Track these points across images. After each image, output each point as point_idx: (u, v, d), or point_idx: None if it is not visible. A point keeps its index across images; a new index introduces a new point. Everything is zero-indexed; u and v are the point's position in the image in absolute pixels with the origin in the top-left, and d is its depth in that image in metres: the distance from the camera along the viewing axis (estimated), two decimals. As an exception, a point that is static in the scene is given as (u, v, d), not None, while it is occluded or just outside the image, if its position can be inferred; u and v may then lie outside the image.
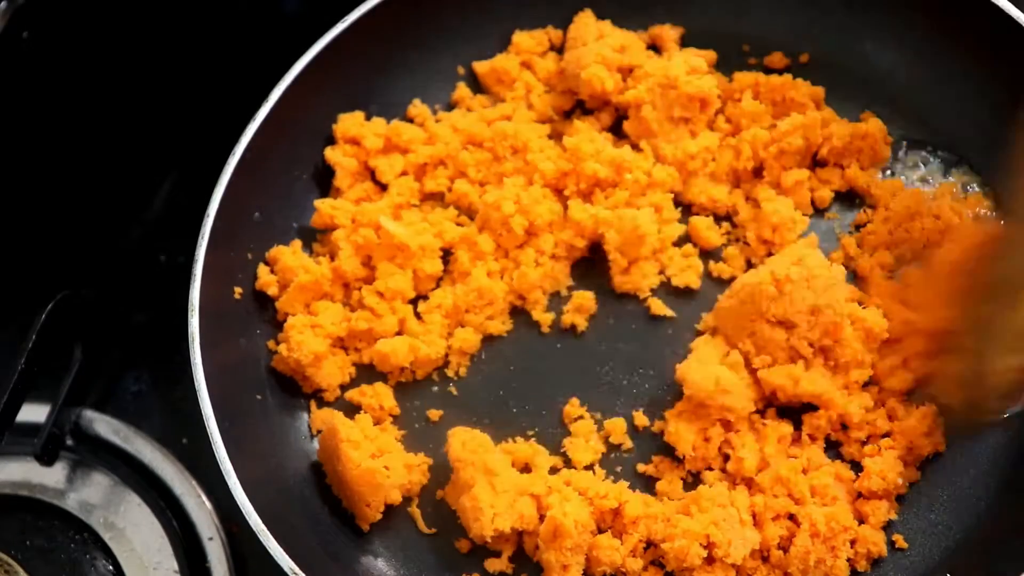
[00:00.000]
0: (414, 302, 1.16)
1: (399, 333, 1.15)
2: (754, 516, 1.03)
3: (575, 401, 1.12)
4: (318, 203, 1.18)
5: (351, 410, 1.13)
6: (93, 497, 1.16)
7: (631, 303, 1.16)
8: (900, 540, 1.03)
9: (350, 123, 1.22)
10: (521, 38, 1.27)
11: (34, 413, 1.17)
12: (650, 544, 1.04)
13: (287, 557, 0.97)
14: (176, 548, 1.13)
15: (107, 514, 1.15)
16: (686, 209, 1.20)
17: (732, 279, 1.14)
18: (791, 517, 1.03)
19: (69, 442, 1.19)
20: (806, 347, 1.06)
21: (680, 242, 1.18)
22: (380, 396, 1.13)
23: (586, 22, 1.25)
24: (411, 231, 1.15)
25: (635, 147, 1.21)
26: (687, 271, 1.16)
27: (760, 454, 1.05)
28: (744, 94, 1.21)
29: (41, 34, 1.14)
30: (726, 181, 1.20)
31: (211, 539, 1.14)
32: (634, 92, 1.20)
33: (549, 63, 1.26)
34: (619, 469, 1.09)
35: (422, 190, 1.22)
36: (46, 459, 1.16)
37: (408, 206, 1.21)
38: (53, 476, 1.17)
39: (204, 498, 1.15)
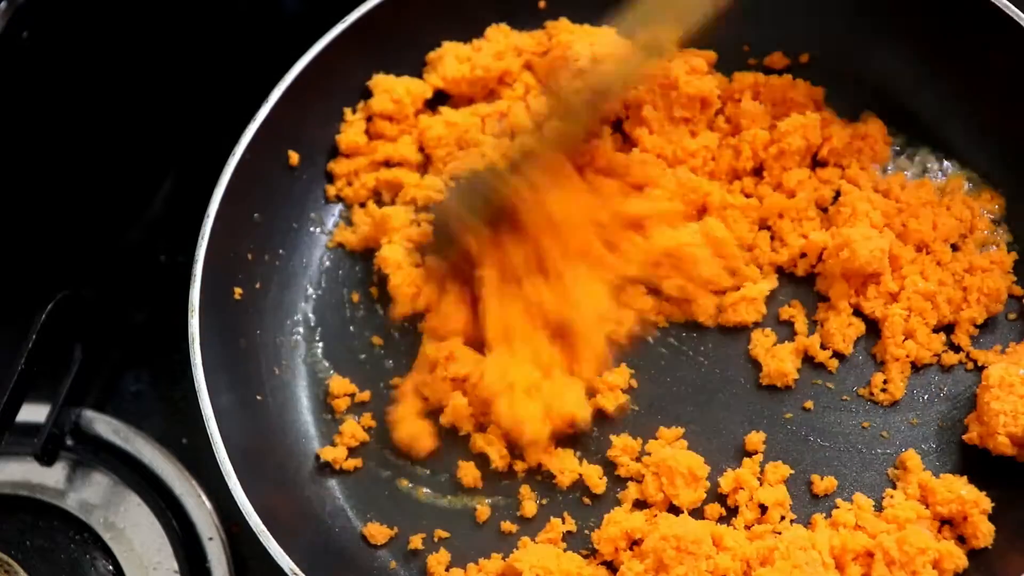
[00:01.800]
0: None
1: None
2: (835, 559, 1.01)
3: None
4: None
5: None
6: (93, 497, 1.16)
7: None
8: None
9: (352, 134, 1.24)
10: (521, 38, 1.27)
11: (34, 413, 1.17)
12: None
13: (287, 557, 0.97)
14: (176, 548, 1.13)
15: (107, 514, 1.15)
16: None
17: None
18: (871, 554, 1.01)
19: (69, 442, 1.19)
20: None
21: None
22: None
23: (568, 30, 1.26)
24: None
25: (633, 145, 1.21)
26: None
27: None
28: (744, 94, 1.20)
29: (41, 34, 1.14)
30: (726, 181, 1.20)
31: (211, 539, 1.14)
32: (634, 92, 1.20)
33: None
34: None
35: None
36: (46, 459, 1.16)
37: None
38: (53, 476, 1.17)
39: (204, 498, 1.15)
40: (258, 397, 1.13)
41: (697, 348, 1.14)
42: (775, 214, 1.16)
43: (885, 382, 1.10)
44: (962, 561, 1.00)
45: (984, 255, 1.13)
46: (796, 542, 1.00)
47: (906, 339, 1.10)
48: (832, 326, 1.11)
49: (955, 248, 1.14)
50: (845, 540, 1.01)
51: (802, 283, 1.15)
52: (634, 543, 1.04)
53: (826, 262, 1.13)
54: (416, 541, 1.08)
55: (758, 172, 1.19)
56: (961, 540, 1.01)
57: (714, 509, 1.06)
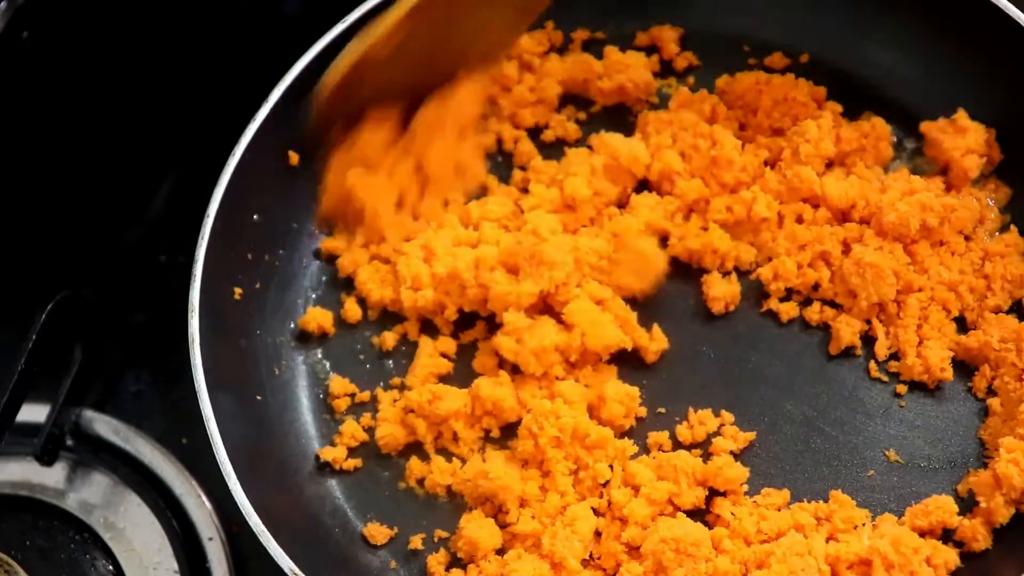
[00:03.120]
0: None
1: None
2: (830, 565, 1.01)
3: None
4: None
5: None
6: (93, 497, 1.16)
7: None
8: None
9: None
10: (521, 39, 1.27)
11: (34, 413, 1.17)
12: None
13: (287, 558, 0.97)
14: (176, 548, 1.13)
15: (107, 514, 1.16)
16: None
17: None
18: (866, 563, 1.01)
19: (69, 442, 1.19)
20: None
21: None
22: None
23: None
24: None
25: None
26: None
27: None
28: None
29: (41, 34, 1.14)
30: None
31: (211, 539, 1.14)
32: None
33: (549, 64, 1.26)
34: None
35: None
36: (46, 459, 1.16)
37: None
38: (53, 476, 1.17)
39: (204, 498, 1.15)
40: (258, 397, 1.13)
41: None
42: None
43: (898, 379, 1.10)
44: (952, 556, 1.00)
45: (997, 240, 1.13)
46: (793, 548, 1.00)
47: (921, 341, 1.10)
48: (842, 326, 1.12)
49: (967, 239, 1.14)
50: (839, 548, 1.01)
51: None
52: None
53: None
54: (416, 541, 1.08)
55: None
56: (959, 544, 1.02)
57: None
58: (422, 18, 1.04)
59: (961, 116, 1.15)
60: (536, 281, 1.10)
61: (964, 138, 1.14)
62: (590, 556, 1.05)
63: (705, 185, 1.17)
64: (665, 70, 1.27)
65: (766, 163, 1.18)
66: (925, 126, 1.17)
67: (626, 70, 1.23)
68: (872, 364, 1.11)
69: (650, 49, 1.27)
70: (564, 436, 1.06)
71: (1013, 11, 1.11)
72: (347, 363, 1.18)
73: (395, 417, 1.13)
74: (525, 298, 1.10)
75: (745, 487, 1.06)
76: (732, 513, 1.04)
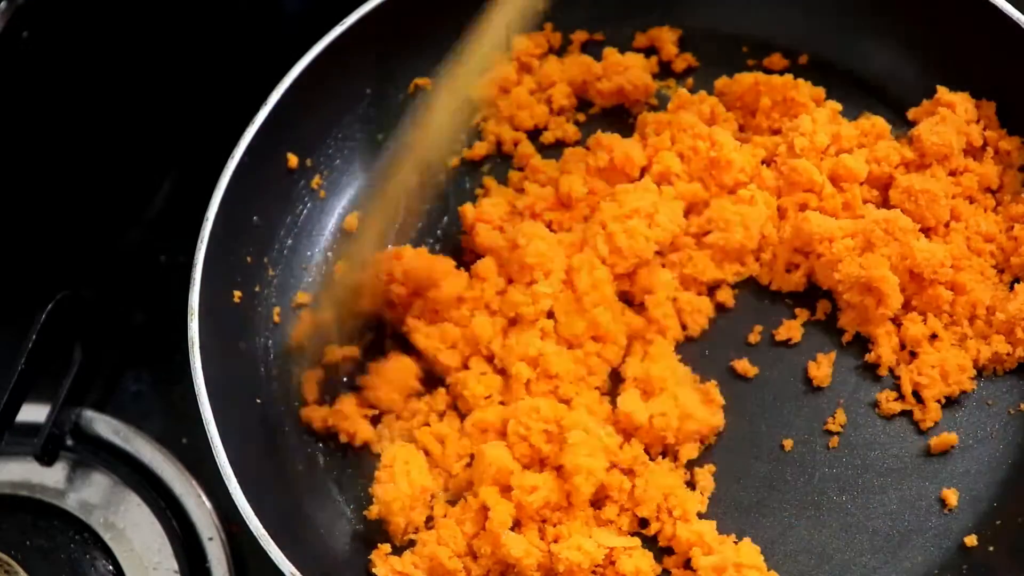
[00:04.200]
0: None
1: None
2: None
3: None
4: None
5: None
6: (93, 497, 1.17)
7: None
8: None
9: None
10: (519, 40, 1.27)
11: (34, 413, 1.17)
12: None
13: (286, 561, 0.97)
14: (176, 548, 1.13)
15: (107, 514, 1.16)
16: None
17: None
18: None
19: (69, 442, 1.19)
20: None
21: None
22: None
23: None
24: None
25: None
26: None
27: None
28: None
29: (41, 34, 1.13)
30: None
31: (211, 539, 1.14)
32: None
33: (548, 66, 1.27)
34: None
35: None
36: (46, 459, 1.16)
37: None
38: (53, 476, 1.18)
39: (204, 498, 1.16)
40: (257, 400, 1.13)
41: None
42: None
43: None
44: None
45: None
46: None
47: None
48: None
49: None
50: None
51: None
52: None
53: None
54: (417, 540, 1.09)
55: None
56: None
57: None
58: None
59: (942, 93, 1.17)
60: (548, 285, 1.10)
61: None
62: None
63: (704, 187, 1.17)
64: (664, 71, 1.27)
65: (763, 162, 1.19)
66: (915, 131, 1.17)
67: (625, 71, 1.23)
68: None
69: (649, 50, 1.27)
70: (552, 427, 1.06)
71: (1012, 12, 1.11)
72: (346, 365, 1.18)
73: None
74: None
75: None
76: None
